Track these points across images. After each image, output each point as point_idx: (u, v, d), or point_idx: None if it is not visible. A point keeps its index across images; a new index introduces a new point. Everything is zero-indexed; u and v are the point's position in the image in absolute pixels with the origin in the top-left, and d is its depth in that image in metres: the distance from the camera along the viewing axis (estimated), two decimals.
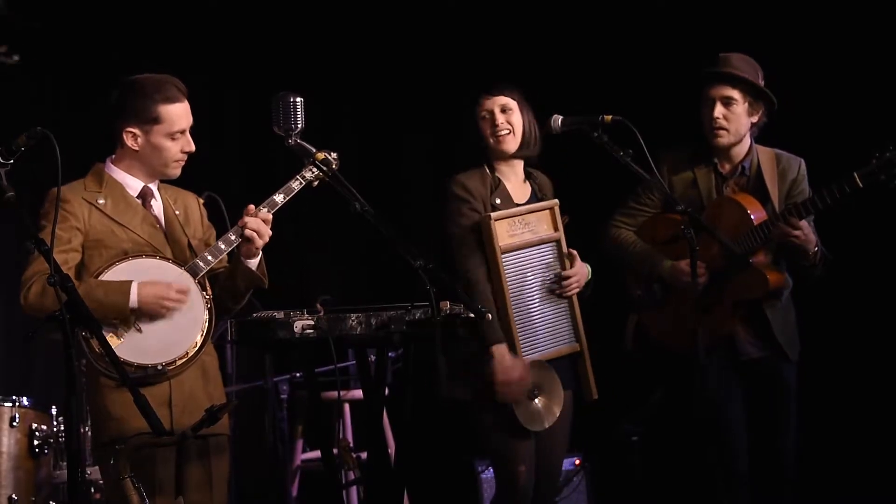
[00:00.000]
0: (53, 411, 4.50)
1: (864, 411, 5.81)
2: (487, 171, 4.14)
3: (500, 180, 4.14)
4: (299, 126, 3.62)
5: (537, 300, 4.09)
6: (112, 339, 3.42)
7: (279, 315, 3.73)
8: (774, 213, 4.29)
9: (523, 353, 3.99)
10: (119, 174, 3.68)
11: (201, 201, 3.86)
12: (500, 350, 3.92)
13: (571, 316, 4.16)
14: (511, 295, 4.02)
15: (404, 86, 6.48)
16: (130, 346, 3.47)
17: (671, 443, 5.36)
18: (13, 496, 4.31)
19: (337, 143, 3.90)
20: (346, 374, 5.48)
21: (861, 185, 4.13)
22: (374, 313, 3.77)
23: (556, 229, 4.16)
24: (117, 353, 3.23)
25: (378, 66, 6.45)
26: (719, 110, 4.33)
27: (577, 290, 4.15)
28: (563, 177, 4.40)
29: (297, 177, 3.67)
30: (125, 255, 3.56)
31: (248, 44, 6.17)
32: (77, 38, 5.66)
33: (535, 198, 4.22)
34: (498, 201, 4.09)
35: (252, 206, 3.61)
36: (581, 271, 4.15)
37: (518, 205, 4.14)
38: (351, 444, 4.08)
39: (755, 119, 4.38)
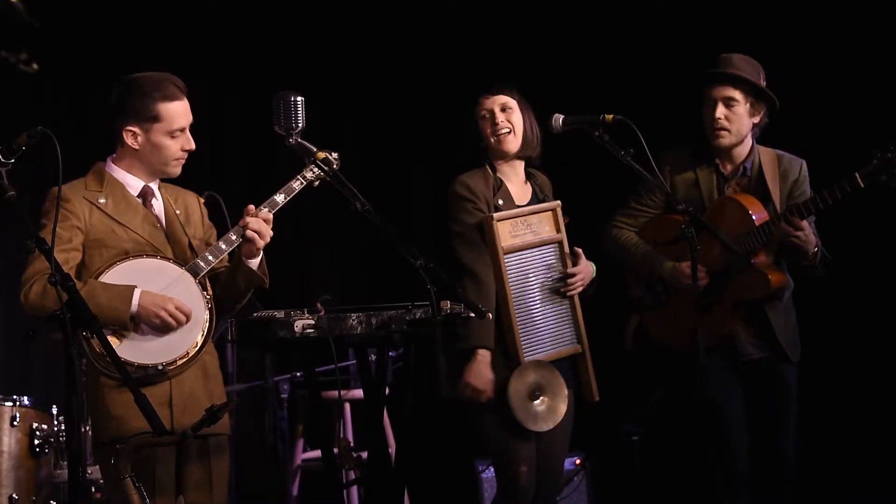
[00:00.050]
0: (54, 411, 4.50)
1: (864, 411, 5.81)
2: (489, 171, 4.14)
3: (501, 181, 4.14)
4: (300, 125, 3.62)
5: (539, 301, 4.09)
6: (113, 339, 3.41)
7: (279, 315, 3.73)
8: (776, 213, 4.29)
9: (525, 355, 3.99)
10: (120, 173, 3.67)
11: (202, 201, 3.86)
12: (485, 357, 3.94)
13: (573, 317, 4.16)
14: (513, 296, 4.02)
15: (404, 86, 6.47)
16: (131, 346, 3.47)
17: (671, 443, 5.37)
18: (14, 496, 4.31)
19: (337, 143, 3.90)
20: (347, 373, 5.48)
21: (862, 185, 4.13)
22: (375, 313, 3.77)
23: (558, 231, 4.16)
24: (118, 352, 3.23)
25: (379, 66, 6.45)
26: (721, 111, 4.33)
27: (581, 288, 4.15)
28: (564, 177, 4.40)
29: (298, 177, 3.66)
30: (126, 255, 3.56)
31: (248, 44, 6.17)
32: (77, 38, 5.66)
33: (536, 199, 4.21)
34: (500, 202, 4.09)
35: (252, 207, 3.60)
36: (586, 270, 4.15)
37: (519, 206, 4.14)
38: (351, 444, 4.07)
39: (756, 119, 4.38)
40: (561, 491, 4.84)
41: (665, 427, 5.49)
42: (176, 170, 3.70)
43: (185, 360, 3.54)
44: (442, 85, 6.23)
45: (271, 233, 3.61)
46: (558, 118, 4.06)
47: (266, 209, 3.61)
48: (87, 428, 3.53)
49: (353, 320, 3.74)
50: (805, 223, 4.21)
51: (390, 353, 4.24)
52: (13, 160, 3.11)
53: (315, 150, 3.63)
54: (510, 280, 4.02)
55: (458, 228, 4.05)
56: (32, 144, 3.14)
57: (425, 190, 6.58)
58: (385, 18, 6.38)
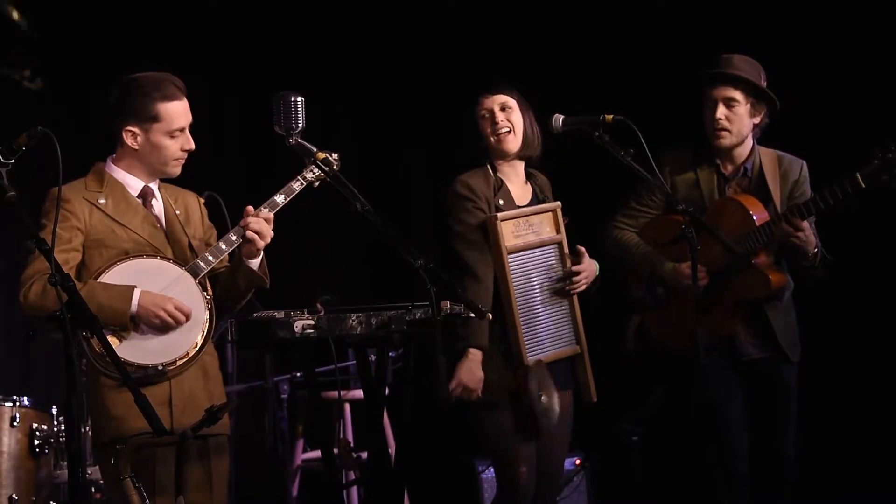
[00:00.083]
0: (54, 411, 4.51)
1: (864, 411, 5.81)
2: (490, 171, 4.14)
3: (502, 181, 4.14)
4: (300, 126, 3.62)
5: (540, 302, 4.09)
6: (112, 339, 3.42)
7: (279, 315, 3.73)
8: (776, 213, 4.29)
9: (527, 355, 3.99)
10: (119, 174, 3.67)
11: (202, 201, 3.86)
12: (476, 356, 3.94)
13: (572, 318, 4.16)
14: (517, 296, 4.02)
15: (404, 86, 6.47)
16: (131, 346, 3.47)
17: (671, 443, 5.36)
18: (14, 496, 4.31)
19: (337, 143, 3.90)
20: (347, 373, 5.47)
21: (863, 185, 4.13)
22: (375, 313, 3.77)
23: (558, 231, 4.16)
24: (118, 352, 3.23)
25: (379, 67, 6.44)
26: (721, 111, 4.33)
27: (585, 286, 4.15)
28: (564, 177, 4.39)
29: (298, 177, 3.66)
30: (126, 256, 3.56)
31: (247, 44, 6.17)
32: (77, 38, 5.66)
33: (536, 199, 4.21)
34: (501, 202, 4.09)
35: (251, 208, 3.60)
36: (590, 268, 4.16)
37: (520, 206, 4.14)
38: (351, 444, 4.07)
39: (757, 120, 4.37)
40: (561, 491, 4.84)
41: (665, 427, 5.48)
42: (176, 170, 3.70)
43: (184, 360, 3.54)
44: (442, 85, 6.22)
45: (272, 233, 3.61)
46: (558, 118, 4.06)
47: (266, 210, 3.61)
48: (87, 428, 3.53)
49: (353, 320, 3.74)
50: (805, 223, 4.21)
51: (390, 354, 4.24)
52: (13, 160, 3.11)
53: (315, 150, 3.63)
54: (513, 280, 4.02)
55: (459, 228, 4.05)
56: (32, 144, 3.14)
57: (425, 190, 6.57)
58: (385, 18, 6.37)
